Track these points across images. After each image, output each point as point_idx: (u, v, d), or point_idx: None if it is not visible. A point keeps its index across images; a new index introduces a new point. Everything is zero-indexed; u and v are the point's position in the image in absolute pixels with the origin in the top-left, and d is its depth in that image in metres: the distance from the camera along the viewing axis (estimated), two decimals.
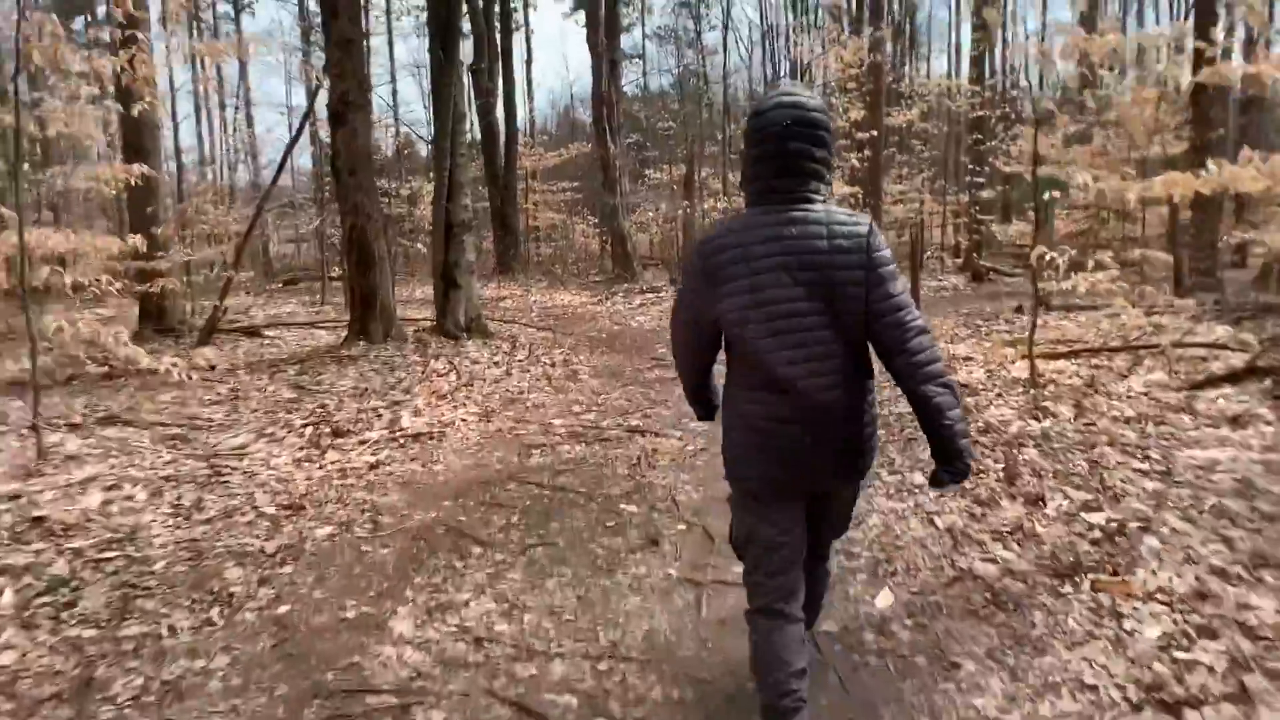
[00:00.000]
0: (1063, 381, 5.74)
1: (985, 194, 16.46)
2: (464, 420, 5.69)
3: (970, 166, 16.56)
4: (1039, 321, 7.41)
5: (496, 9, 21.10)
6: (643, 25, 38.06)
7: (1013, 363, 6.23)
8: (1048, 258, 5.47)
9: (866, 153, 14.81)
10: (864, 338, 1.84)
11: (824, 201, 1.83)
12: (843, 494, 2.09)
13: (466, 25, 14.94)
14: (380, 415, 5.66)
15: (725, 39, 35.10)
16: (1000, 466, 4.04)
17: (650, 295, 15.39)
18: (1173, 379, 5.59)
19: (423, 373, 7.24)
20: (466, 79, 24.93)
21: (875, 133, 14.15)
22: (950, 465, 1.82)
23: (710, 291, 1.85)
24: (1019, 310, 9.92)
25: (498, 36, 21.29)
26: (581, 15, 24.74)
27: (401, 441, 5.08)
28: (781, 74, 23.16)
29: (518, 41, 31.55)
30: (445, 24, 8.79)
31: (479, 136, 19.77)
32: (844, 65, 13.51)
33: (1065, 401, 5.12)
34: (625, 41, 38.59)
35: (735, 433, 1.95)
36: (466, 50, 16.80)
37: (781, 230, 1.77)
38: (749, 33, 50.62)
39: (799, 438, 1.83)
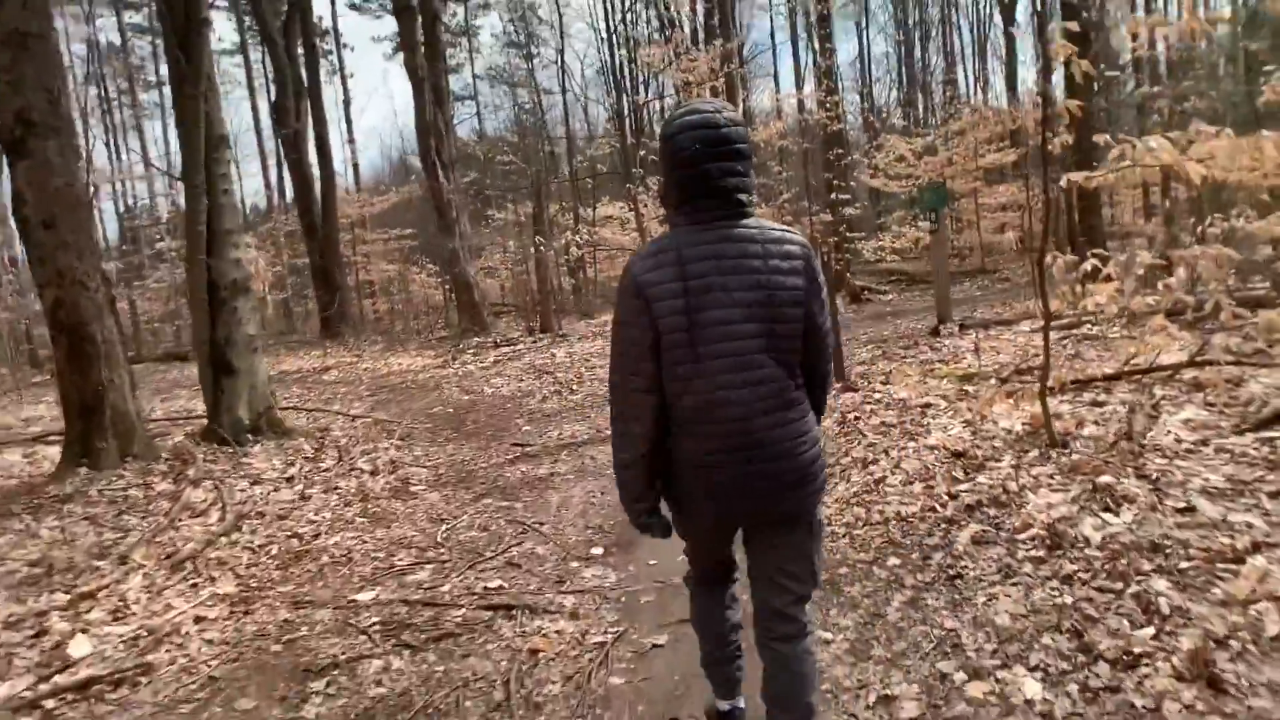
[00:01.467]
0: (1084, 432, 4.22)
1: (851, 210, 15.66)
2: (201, 618, 3.35)
3: (834, 182, 15.74)
4: (977, 343, 5.96)
5: (299, 40, 18.46)
6: (471, 65, 36.24)
7: (1015, 411, 4.66)
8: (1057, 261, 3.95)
9: None
10: (798, 358, 1.76)
11: (753, 216, 1.74)
12: (794, 532, 1.86)
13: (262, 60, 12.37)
14: (38, 634, 3.21)
15: (562, 76, 33.86)
16: (1175, 653, 2.27)
17: (506, 350, 13.22)
18: (1219, 413, 4.20)
19: (167, 515, 4.76)
20: (266, 110, 21.89)
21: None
22: None
23: (645, 316, 1.69)
24: (935, 332, 8.67)
25: (302, 71, 18.63)
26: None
27: (50, 709, 2.69)
28: (619, 108, 21.87)
29: (335, 84, 28.75)
30: (185, 10, 6.41)
31: (289, 187, 16.95)
32: (696, 80, 12.15)
33: (1119, 472, 3.54)
34: (456, 83, 36.80)
35: (681, 478, 1.80)
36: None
37: (716, 249, 1.68)
38: (581, 72, 49.96)
39: (736, 468, 1.72)
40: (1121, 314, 4.01)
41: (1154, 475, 3.48)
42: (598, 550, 3.77)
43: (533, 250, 13.88)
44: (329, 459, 6.18)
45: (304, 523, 4.67)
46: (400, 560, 3.93)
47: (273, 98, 19.73)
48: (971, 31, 33.37)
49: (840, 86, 19.05)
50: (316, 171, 18.58)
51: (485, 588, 3.45)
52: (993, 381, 5.73)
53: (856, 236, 16.70)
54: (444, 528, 4.36)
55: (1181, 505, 3.14)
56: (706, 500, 1.78)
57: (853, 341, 10.03)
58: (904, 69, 33.56)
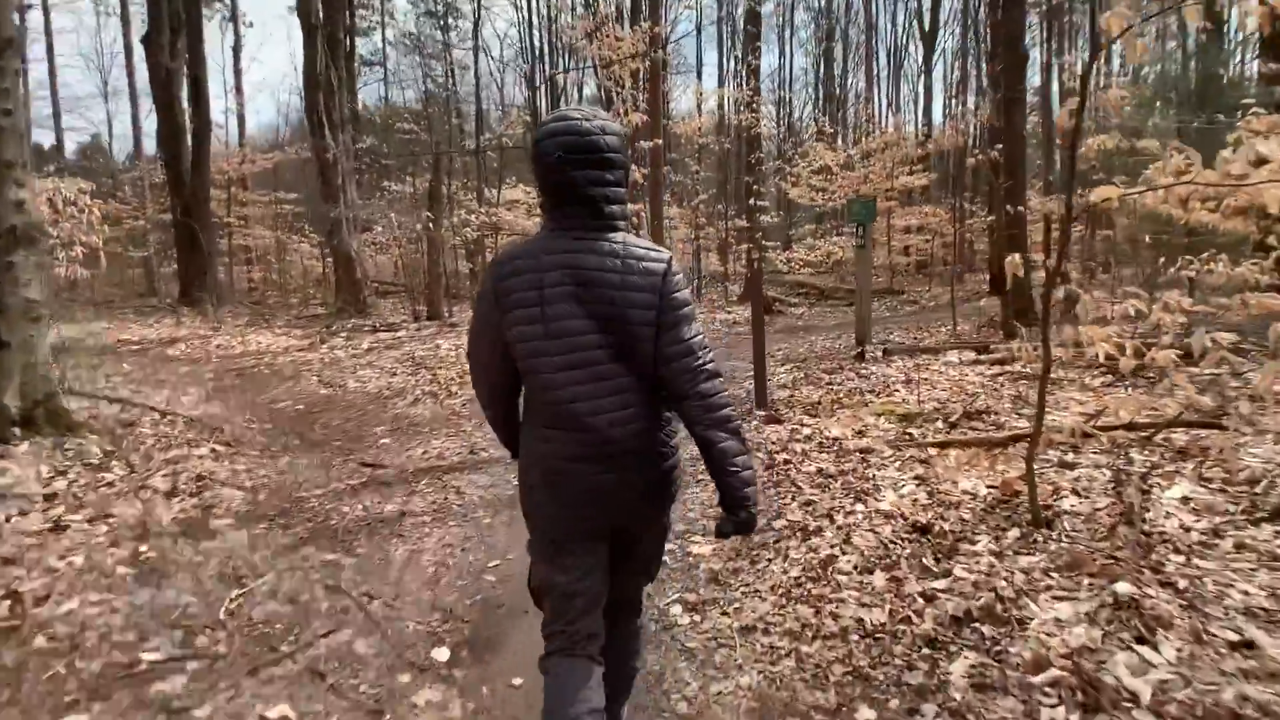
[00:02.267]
0: (1064, 505, 3.44)
1: (768, 219, 15.02)
2: None
3: (756, 187, 15.05)
4: (909, 375, 5.24)
5: None
6: (383, 30, 33.86)
7: (976, 469, 3.84)
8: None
9: (645, 171, 12.61)
10: (654, 374, 1.71)
11: (623, 229, 1.73)
12: (645, 537, 1.91)
13: None
14: None
15: (476, 52, 31.97)
16: None
17: (385, 336, 11.77)
18: (1218, 490, 3.52)
19: None
20: (139, 50, 19.36)
21: (658, 141, 11.95)
22: (735, 514, 1.74)
23: (501, 317, 1.69)
24: (860, 356, 7.97)
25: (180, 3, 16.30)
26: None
27: None
28: (537, 84, 20.60)
29: (224, 27, 26.03)
30: None
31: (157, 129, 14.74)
32: (619, 56, 11.11)
33: (1134, 574, 2.75)
34: (365, 46, 34.30)
35: (529, 473, 1.79)
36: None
37: (574, 258, 1.66)
38: (501, 51, 47.85)
39: (593, 477, 1.71)
40: (1138, 361, 3.23)
41: (1179, 583, 2.70)
42: (443, 652, 2.66)
43: (425, 228, 12.43)
44: (118, 469, 4.76)
45: (38, 572, 3.32)
46: (153, 651, 2.69)
47: (145, 28, 17.31)
48: (889, 57, 33.93)
49: (762, 90, 18.41)
50: (190, 118, 16.38)
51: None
52: (941, 426, 4.98)
53: (771, 246, 16.09)
54: (236, 594, 3.12)
55: (1234, 636, 2.36)
56: (569, 508, 1.75)
57: (769, 359, 9.25)
58: (821, 85, 33.73)
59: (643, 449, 1.74)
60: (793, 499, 3.87)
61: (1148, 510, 3.40)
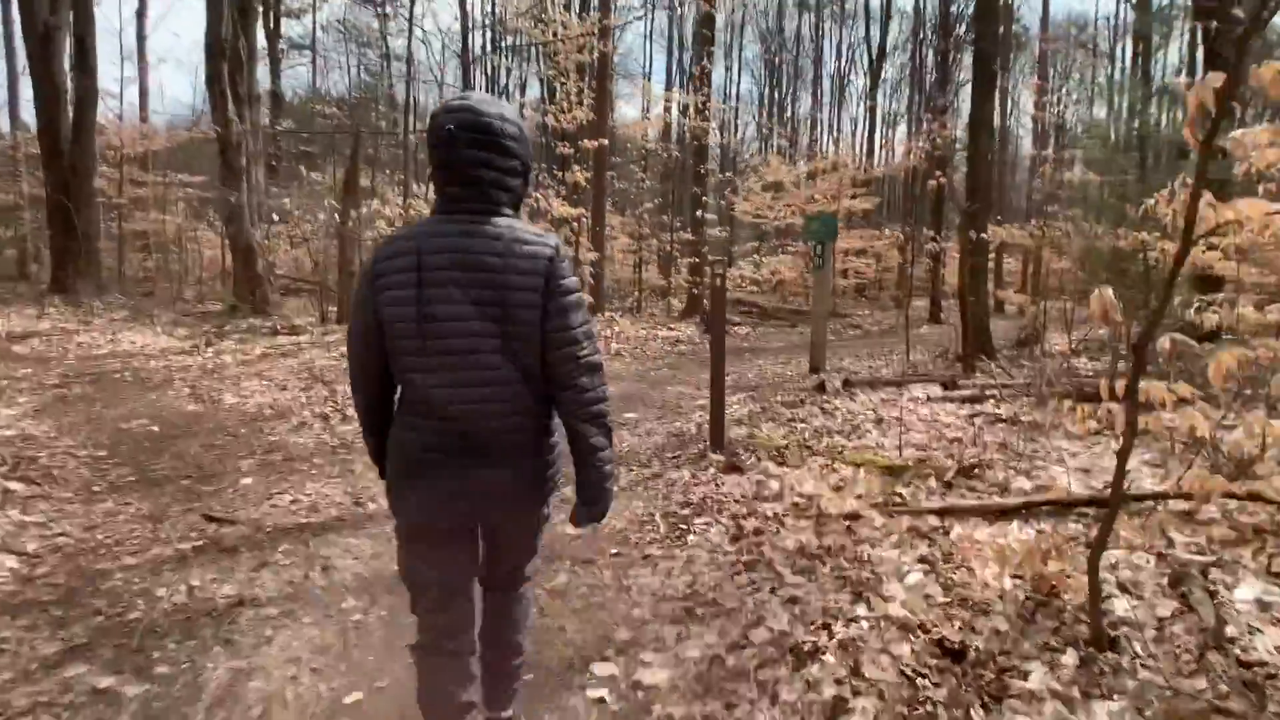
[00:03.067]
0: (1115, 610, 2.63)
1: (716, 233, 14.26)
2: None
3: (704, 198, 14.27)
4: (883, 418, 4.45)
5: None
6: (314, 13, 31.95)
7: (999, 556, 2.97)
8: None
9: (588, 175, 11.70)
10: (538, 366, 1.67)
11: (512, 215, 1.70)
12: (516, 530, 1.88)
13: None
14: None
15: (410, 41, 30.37)
16: None
17: (285, 340, 10.41)
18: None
19: None
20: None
21: (603, 141, 11.04)
22: (593, 506, 1.79)
23: (376, 299, 1.64)
24: (820, 388, 7.16)
25: None
26: None
27: None
28: (465, 60, 19.44)
29: None
30: None
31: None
32: (566, 50, 10.18)
33: None
34: (295, 28, 32.33)
35: (393, 462, 1.74)
36: None
37: (457, 242, 1.61)
38: (442, 47, 46.18)
39: (455, 470, 1.66)
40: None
41: None
42: None
43: (339, 219, 11.15)
44: None
45: None
46: None
47: None
48: (833, 81, 34.04)
49: (712, 98, 17.74)
50: (72, 83, 14.54)
51: None
52: (934, 486, 4.14)
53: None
54: None
55: None
56: (430, 497, 1.69)
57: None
58: (767, 106, 33.54)
59: (514, 443, 1.69)
60: (772, 592, 2.94)
61: (1226, 623, 2.62)
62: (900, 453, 4.80)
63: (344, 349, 10.03)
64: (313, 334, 11.21)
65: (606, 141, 11.18)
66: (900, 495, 3.99)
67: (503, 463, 1.68)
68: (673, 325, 14.17)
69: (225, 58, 11.57)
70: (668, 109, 14.03)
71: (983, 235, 8.91)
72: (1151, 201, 2.78)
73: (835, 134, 32.87)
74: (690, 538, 3.51)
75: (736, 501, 3.97)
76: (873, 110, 24.06)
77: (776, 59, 32.82)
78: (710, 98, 13.77)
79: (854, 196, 19.70)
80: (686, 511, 3.83)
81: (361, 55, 35.26)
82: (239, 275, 12.45)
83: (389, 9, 31.07)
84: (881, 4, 24.39)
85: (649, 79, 25.73)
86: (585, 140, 10.64)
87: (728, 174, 14.09)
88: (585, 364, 1.67)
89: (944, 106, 14.31)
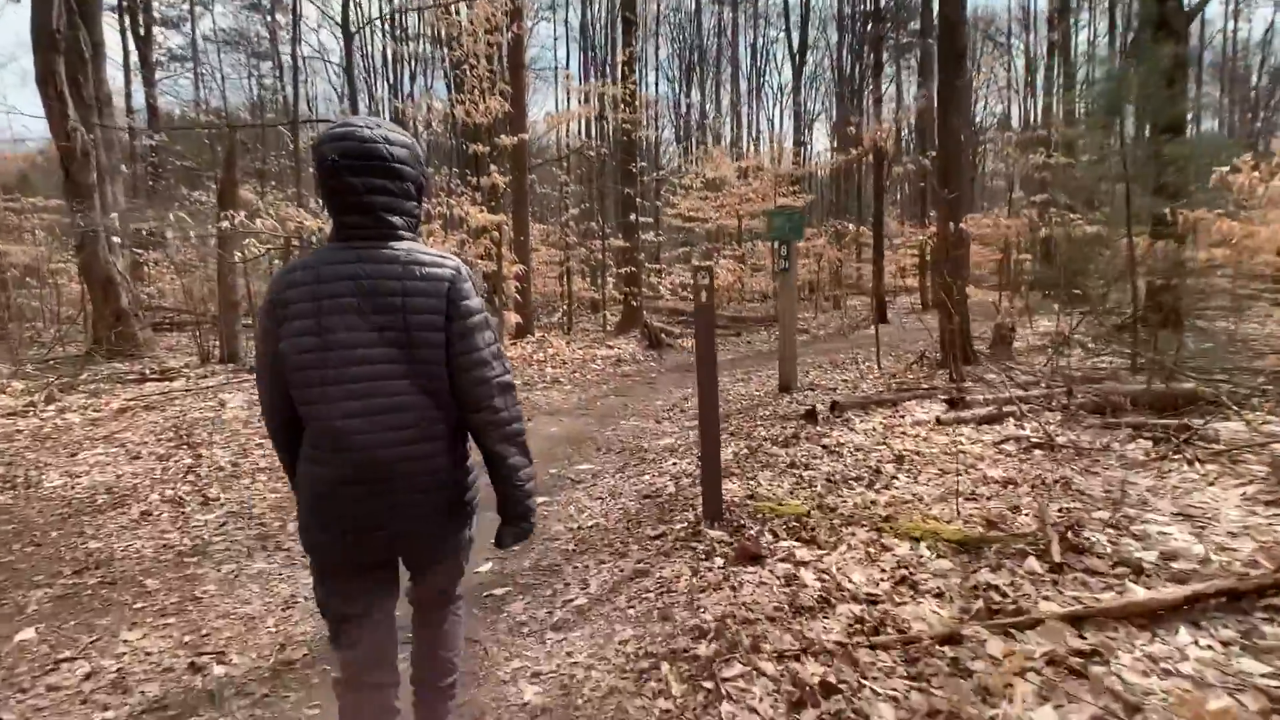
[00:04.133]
0: None
1: (651, 237, 13.06)
2: None
3: (636, 200, 13.02)
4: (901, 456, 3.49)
5: None
6: (193, 20, 29.30)
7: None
8: None
9: (506, 175, 10.31)
10: (447, 389, 1.65)
11: (410, 239, 1.67)
12: (436, 557, 1.81)
13: None
14: None
15: (297, 47, 28.08)
16: None
17: (153, 388, 8.62)
18: None
19: None
20: None
21: (523, 136, 9.69)
22: (517, 525, 1.78)
23: (277, 330, 1.61)
24: (811, 417, 5.99)
25: None
26: None
27: None
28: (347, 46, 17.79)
29: None
30: None
31: None
32: (471, 33, 8.79)
33: None
34: (176, 38, 29.59)
35: (302, 497, 1.67)
36: None
37: (355, 269, 1.59)
38: (340, 57, 43.61)
39: (362, 503, 1.60)
40: None
41: None
42: None
43: (213, 243, 9.41)
44: None
45: None
46: None
47: None
48: (748, 81, 33.55)
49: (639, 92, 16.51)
50: None
51: None
52: (1037, 570, 2.98)
53: (654, 268, 14.16)
54: None
55: None
56: (338, 532, 1.63)
57: (680, 414, 7.15)
58: (686, 110, 32.71)
59: (424, 471, 1.64)
60: None
61: None
62: (956, 510, 3.65)
63: (224, 396, 8.40)
64: (189, 378, 9.41)
65: (526, 136, 9.84)
66: (998, 589, 2.82)
67: (415, 492, 1.63)
68: (611, 342, 12.88)
69: (60, 52, 9.65)
70: (586, 100, 12.75)
71: (961, 226, 7.98)
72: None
73: (754, 133, 32.39)
74: (725, 708, 2.23)
75: (770, 619, 2.71)
76: (797, 106, 23.43)
77: (693, 57, 32.06)
78: (637, 88, 12.58)
79: (788, 194, 18.90)
80: (704, 649, 2.55)
81: (252, 67, 32.82)
82: (98, 311, 10.47)
83: (277, 15, 28.87)
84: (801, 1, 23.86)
85: (567, 69, 24.28)
86: (502, 136, 9.28)
87: (658, 173, 12.96)
88: (496, 384, 1.66)
89: (924, 97, 13.50)
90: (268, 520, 4.26)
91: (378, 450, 1.58)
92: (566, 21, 28.59)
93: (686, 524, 3.75)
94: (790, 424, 5.86)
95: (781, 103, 34.10)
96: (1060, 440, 4.95)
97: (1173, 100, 7.03)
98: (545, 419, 7.10)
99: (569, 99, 10.66)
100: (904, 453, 4.79)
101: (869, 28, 18.86)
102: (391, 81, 29.23)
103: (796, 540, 3.40)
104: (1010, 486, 4.07)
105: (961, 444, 5.03)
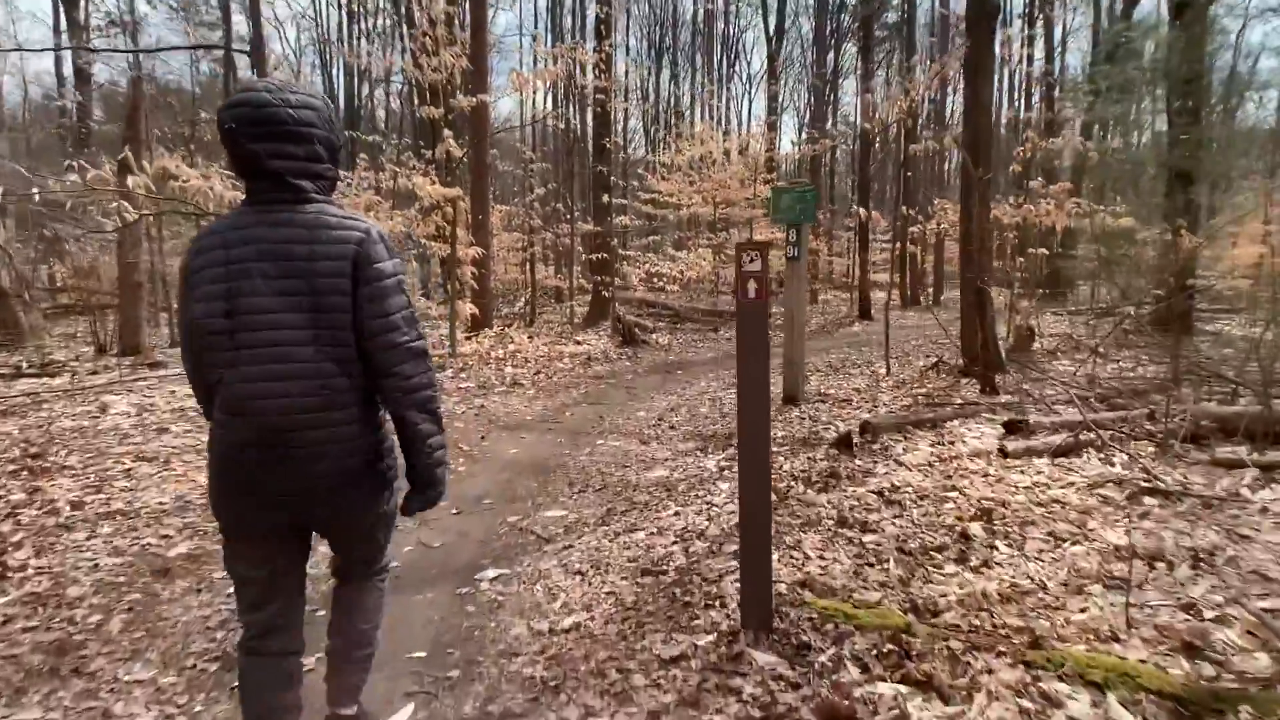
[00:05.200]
0: None
1: (625, 221, 11.74)
2: None
3: (613, 179, 11.65)
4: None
5: None
6: None
7: None
8: None
9: (465, 145, 8.89)
10: (356, 355, 1.62)
11: (323, 201, 1.64)
12: (352, 529, 1.79)
13: None
14: None
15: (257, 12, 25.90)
16: None
17: (27, 385, 7.07)
18: None
19: None
20: None
21: (483, 97, 8.26)
22: (424, 492, 1.76)
23: (189, 294, 1.61)
24: (846, 444, 4.75)
25: None
26: None
27: None
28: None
29: None
30: None
31: None
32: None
33: None
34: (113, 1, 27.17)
35: (210, 461, 1.68)
36: None
37: (261, 233, 1.57)
38: (298, 37, 41.20)
39: (264, 468, 1.58)
40: None
41: None
42: None
43: (114, 212, 7.81)
44: None
45: None
46: None
47: None
48: (719, 70, 32.29)
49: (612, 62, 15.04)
50: None
51: None
52: None
53: (624, 255, 12.83)
54: None
55: None
56: (241, 497, 1.63)
57: (671, 431, 5.88)
58: (657, 99, 31.28)
59: (330, 439, 1.60)
60: None
61: None
62: (1128, 622, 2.43)
63: (109, 398, 6.90)
64: (75, 375, 7.84)
65: (488, 99, 8.43)
66: None
67: (321, 460, 1.60)
68: (579, 337, 11.54)
69: None
70: (555, 61, 11.34)
71: (986, 209, 6.84)
72: None
73: (725, 123, 31.16)
74: None
75: None
76: (772, 91, 22.20)
77: (663, 44, 30.66)
78: (613, 52, 11.19)
79: (767, 182, 17.72)
80: None
81: (202, 34, 30.49)
82: None
83: None
84: None
85: (535, 33, 22.34)
86: (459, 97, 7.85)
87: (624, 155, 11.66)
88: (407, 350, 1.64)
89: (943, 64, 12.33)
90: (83, 617, 2.85)
91: (277, 416, 1.55)
92: (535, 9, 26.89)
93: (716, 635, 2.47)
94: (819, 453, 4.62)
95: (753, 92, 32.91)
96: (1171, 484, 3.80)
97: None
98: (503, 436, 5.76)
99: (535, 62, 9.26)
100: (985, 503, 3.58)
101: (856, 5, 17.74)
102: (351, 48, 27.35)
103: (901, 679, 2.14)
104: (1162, 565, 2.88)
105: (1048, 487, 3.86)
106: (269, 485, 1.58)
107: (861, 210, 10.87)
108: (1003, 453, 4.50)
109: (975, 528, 3.34)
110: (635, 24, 31.74)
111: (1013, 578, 2.86)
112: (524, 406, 6.95)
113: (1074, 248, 12.56)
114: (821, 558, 3.05)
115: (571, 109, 17.98)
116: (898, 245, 16.59)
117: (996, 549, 3.12)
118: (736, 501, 3.86)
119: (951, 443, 4.80)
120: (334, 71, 28.36)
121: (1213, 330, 9.64)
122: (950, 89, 21.87)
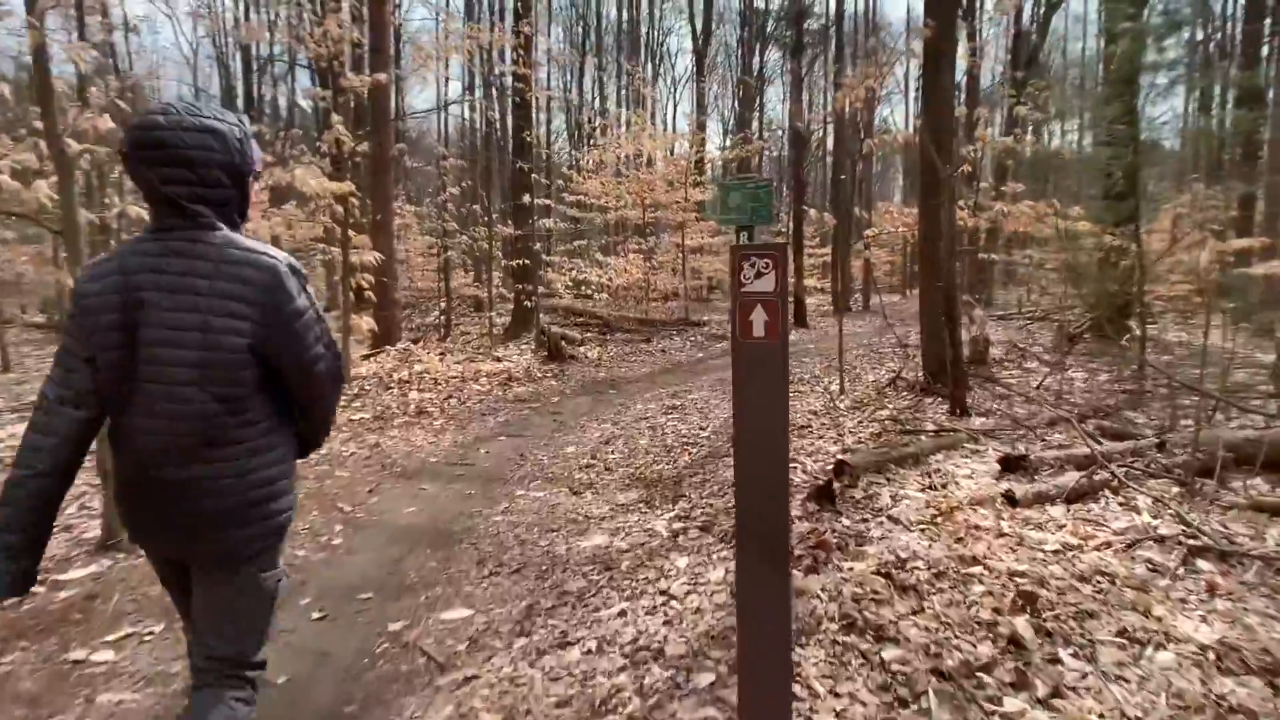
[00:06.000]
0: None
1: (550, 224, 10.72)
2: None
3: (536, 176, 10.59)
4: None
5: None
6: None
7: None
8: None
9: (364, 144, 7.73)
10: (247, 393, 1.53)
11: (229, 230, 1.55)
12: (223, 579, 1.60)
13: None
14: None
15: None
16: None
17: None
18: None
19: None
20: None
21: (382, 77, 7.10)
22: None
23: (83, 330, 1.49)
24: (827, 494, 3.87)
25: None
26: None
27: None
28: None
29: None
30: None
31: None
32: None
33: None
34: None
35: (119, 506, 1.64)
36: None
37: (159, 262, 1.49)
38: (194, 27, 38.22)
39: (145, 502, 1.55)
40: None
41: None
42: None
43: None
44: None
45: None
46: None
47: None
48: (644, 70, 31.57)
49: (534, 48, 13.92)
50: None
51: None
52: None
53: (548, 261, 11.79)
54: None
55: None
56: (133, 534, 1.63)
57: (607, 474, 4.93)
58: (579, 98, 30.30)
59: (207, 478, 1.51)
60: None
61: None
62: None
63: None
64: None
65: (387, 79, 7.26)
66: None
67: (198, 497, 1.51)
68: (499, 352, 10.43)
69: None
70: (471, 56, 10.24)
71: (950, 209, 6.18)
72: None
73: (652, 125, 30.41)
74: None
75: None
76: (700, 92, 21.56)
77: (588, 45, 29.71)
78: (532, 38, 10.16)
79: (696, 184, 16.98)
80: None
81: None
82: None
83: None
84: None
85: (447, 10, 20.69)
86: (349, 76, 6.66)
87: (547, 153, 10.67)
88: (328, 376, 1.62)
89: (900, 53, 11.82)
90: None
91: (166, 453, 1.49)
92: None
93: None
94: (793, 507, 3.74)
95: (678, 95, 32.32)
96: (1219, 538, 3.10)
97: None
98: (398, 489, 4.66)
99: (448, 38, 8.16)
100: (1020, 581, 2.76)
101: (782, 6, 17.27)
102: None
103: None
104: (1273, 677, 2.11)
105: (1081, 550, 3.10)
106: (148, 522, 1.56)
107: (811, 211, 10.15)
108: (1010, 500, 3.73)
109: (1021, 625, 2.50)
110: (556, 23, 30.73)
111: (1100, 712, 2.03)
112: (429, 442, 5.86)
113: (1011, 251, 12.24)
114: (835, 694, 2.15)
115: (490, 101, 16.84)
116: (830, 250, 16.11)
117: (1061, 662, 2.29)
118: (696, 588, 2.93)
119: (944, 485, 4.02)
120: (232, 66, 26.39)
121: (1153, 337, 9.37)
122: (876, 99, 21.73)
